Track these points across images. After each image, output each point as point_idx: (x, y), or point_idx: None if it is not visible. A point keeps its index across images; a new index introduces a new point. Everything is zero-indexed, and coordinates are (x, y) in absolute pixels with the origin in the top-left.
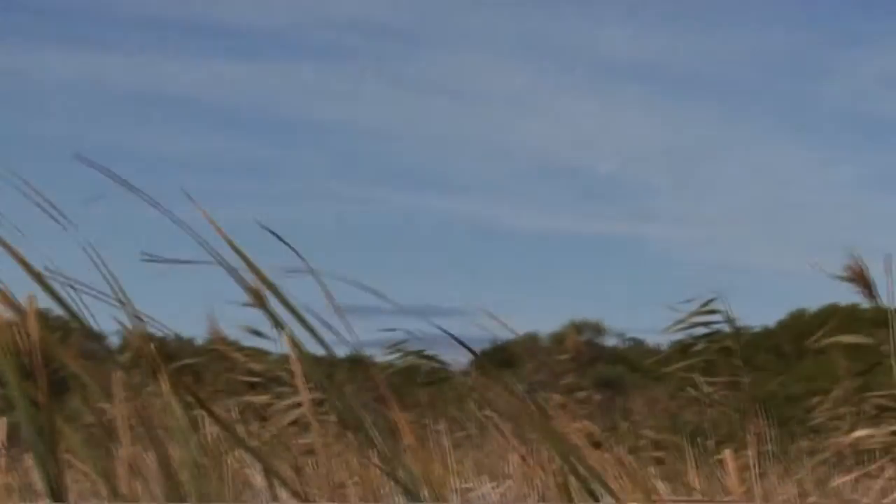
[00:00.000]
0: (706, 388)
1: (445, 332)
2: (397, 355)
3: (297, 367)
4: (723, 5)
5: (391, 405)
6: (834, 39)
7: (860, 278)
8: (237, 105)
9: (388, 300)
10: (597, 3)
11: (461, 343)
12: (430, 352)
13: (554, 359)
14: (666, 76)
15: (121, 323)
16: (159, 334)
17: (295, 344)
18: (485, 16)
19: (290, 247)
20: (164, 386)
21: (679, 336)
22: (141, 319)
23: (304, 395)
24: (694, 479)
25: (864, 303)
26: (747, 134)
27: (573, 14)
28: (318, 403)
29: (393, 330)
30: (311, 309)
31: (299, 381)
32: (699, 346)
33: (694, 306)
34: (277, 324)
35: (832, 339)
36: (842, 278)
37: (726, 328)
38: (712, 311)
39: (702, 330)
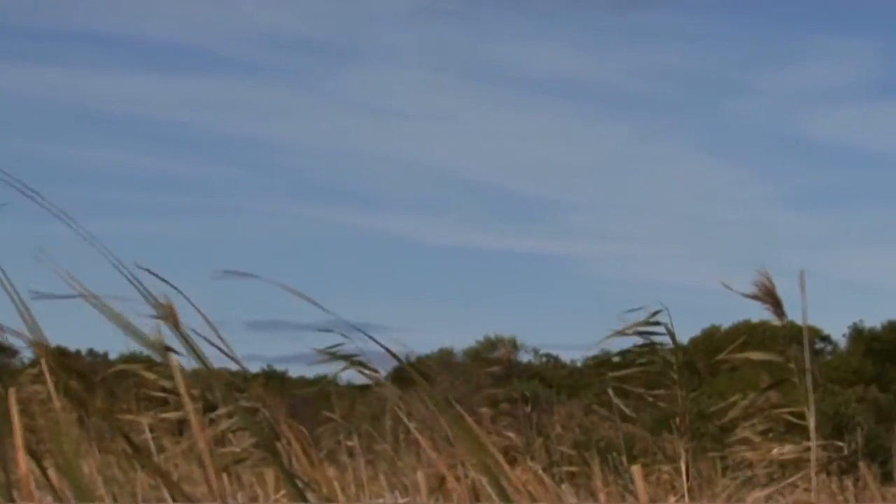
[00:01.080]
0: (620, 403)
1: (374, 340)
2: (323, 363)
3: (181, 384)
4: (639, 24)
5: (293, 424)
6: (749, 58)
7: (769, 296)
8: (157, 119)
9: (328, 311)
10: (515, 21)
11: (390, 352)
12: (357, 359)
13: (469, 374)
14: (583, 94)
15: (24, 337)
16: (71, 350)
17: (200, 359)
18: (405, 33)
19: (169, 284)
20: (58, 402)
21: (604, 347)
22: (41, 334)
23: (189, 410)
24: (604, 495)
25: (775, 320)
26: (663, 151)
27: (491, 32)
28: (230, 417)
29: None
30: (224, 324)
31: (184, 396)
32: (632, 359)
33: (637, 317)
34: (186, 341)
35: (739, 356)
36: (750, 296)
37: (667, 340)
38: (655, 323)
39: (640, 340)
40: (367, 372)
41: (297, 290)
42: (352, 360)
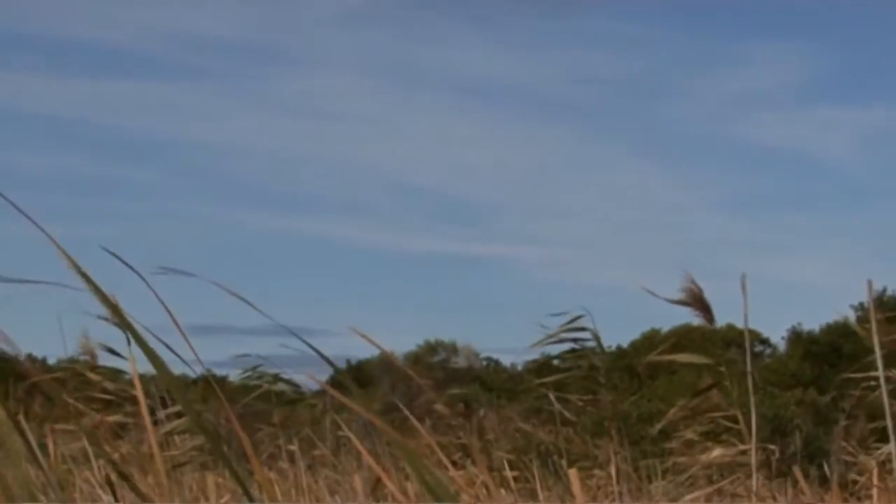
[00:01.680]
0: (560, 408)
1: (311, 347)
2: (253, 375)
3: (139, 387)
4: (574, 29)
5: (237, 428)
6: (682, 63)
7: (696, 301)
8: (94, 123)
9: (267, 316)
10: (453, 26)
11: (326, 360)
12: (285, 372)
13: (409, 378)
14: (517, 98)
15: None
16: (9, 353)
17: (154, 360)
18: (337, 36)
19: (131, 268)
20: None
21: (544, 350)
22: None
23: (144, 412)
24: (543, 498)
25: (705, 324)
26: (597, 155)
27: (425, 36)
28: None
29: (247, 355)
30: (166, 328)
31: (141, 399)
32: (567, 363)
33: (562, 321)
34: (137, 340)
35: (666, 359)
36: (677, 302)
37: (594, 345)
38: (581, 328)
39: (570, 345)
40: (291, 386)
41: (235, 291)
42: (276, 377)
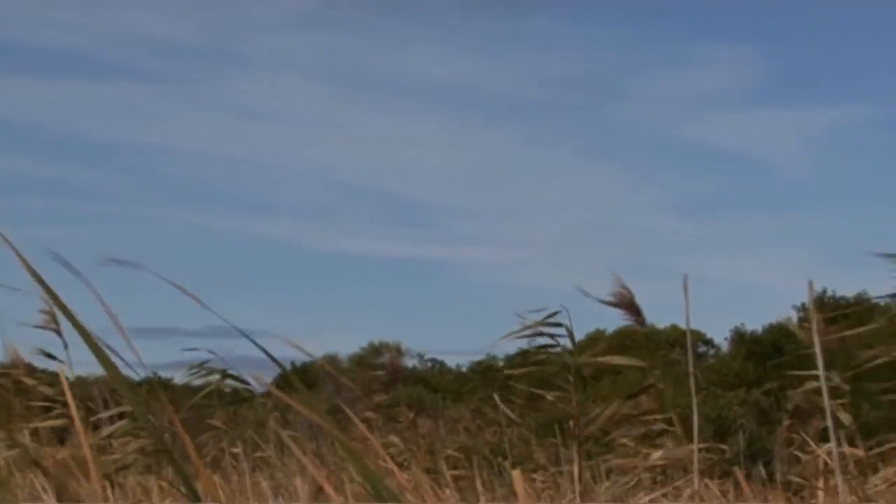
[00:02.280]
0: (506, 409)
1: (259, 347)
2: (199, 373)
3: (68, 392)
4: (523, 30)
5: (180, 430)
6: (632, 63)
7: (627, 304)
8: (42, 125)
9: (217, 314)
10: (404, 28)
11: (274, 360)
12: (231, 372)
13: (355, 379)
14: (467, 99)
15: None
16: None
17: (107, 361)
18: (290, 39)
19: (75, 272)
20: None
21: (493, 352)
22: None
23: (75, 417)
24: (485, 499)
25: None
26: (548, 157)
27: (377, 38)
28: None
29: (195, 349)
30: (108, 331)
31: (71, 404)
32: (532, 361)
33: (536, 317)
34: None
35: (602, 360)
36: (607, 303)
37: (567, 343)
38: (556, 324)
39: (543, 340)
40: (240, 384)
41: (185, 289)
42: (224, 373)
